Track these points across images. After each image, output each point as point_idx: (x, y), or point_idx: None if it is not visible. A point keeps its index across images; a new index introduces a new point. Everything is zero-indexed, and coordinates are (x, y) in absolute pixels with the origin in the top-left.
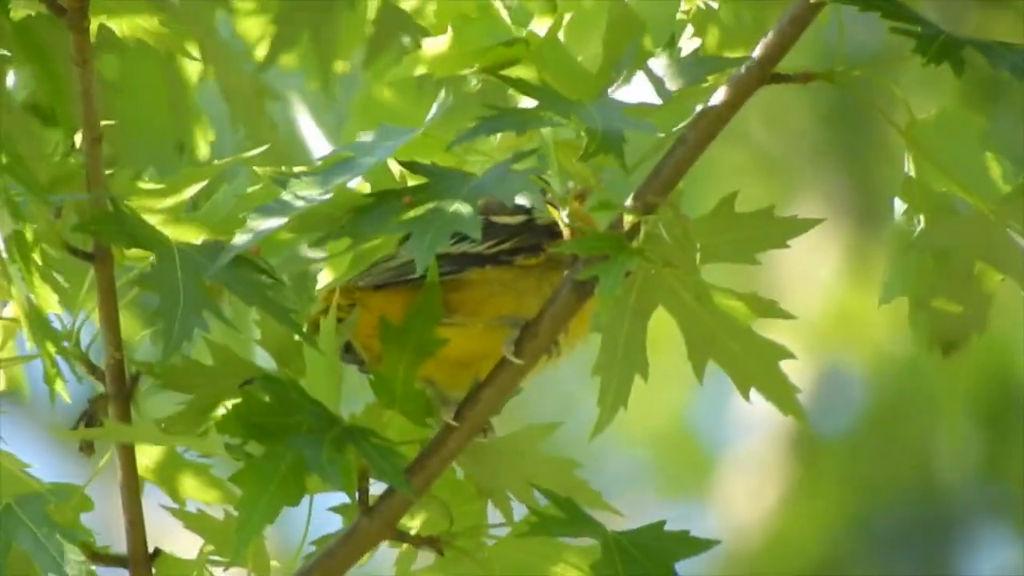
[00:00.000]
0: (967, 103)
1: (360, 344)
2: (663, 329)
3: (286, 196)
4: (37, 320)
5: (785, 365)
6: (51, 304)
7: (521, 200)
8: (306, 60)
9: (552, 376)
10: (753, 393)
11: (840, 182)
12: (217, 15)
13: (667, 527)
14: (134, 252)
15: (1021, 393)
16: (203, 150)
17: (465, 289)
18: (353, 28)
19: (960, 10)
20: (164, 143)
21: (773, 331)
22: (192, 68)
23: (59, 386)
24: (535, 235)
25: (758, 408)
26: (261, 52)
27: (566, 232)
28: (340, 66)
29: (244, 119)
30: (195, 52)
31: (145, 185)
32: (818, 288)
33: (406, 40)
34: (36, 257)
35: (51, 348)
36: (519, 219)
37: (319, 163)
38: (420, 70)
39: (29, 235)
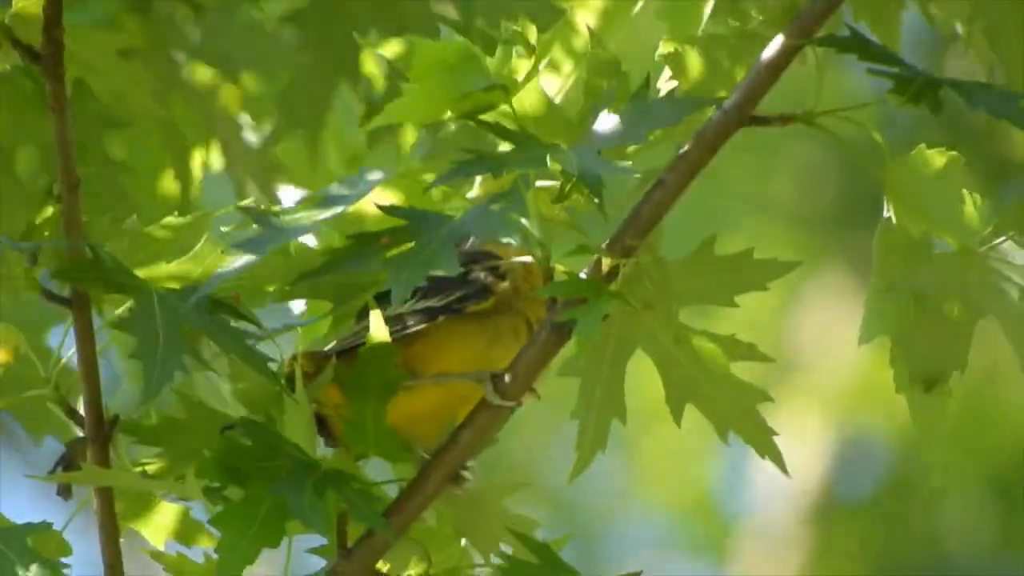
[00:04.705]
0: None
1: (330, 414)
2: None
3: (263, 233)
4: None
5: (804, 428)
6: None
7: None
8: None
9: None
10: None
11: (865, 248)
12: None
13: None
14: (113, 297)
15: None
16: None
17: (419, 342)
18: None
19: None
20: None
21: (795, 397)
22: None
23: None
24: (478, 283)
25: (779, 476)
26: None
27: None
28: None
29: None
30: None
31: (127, 230)
32: (842, 355)
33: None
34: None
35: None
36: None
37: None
38: (398, 117)
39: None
